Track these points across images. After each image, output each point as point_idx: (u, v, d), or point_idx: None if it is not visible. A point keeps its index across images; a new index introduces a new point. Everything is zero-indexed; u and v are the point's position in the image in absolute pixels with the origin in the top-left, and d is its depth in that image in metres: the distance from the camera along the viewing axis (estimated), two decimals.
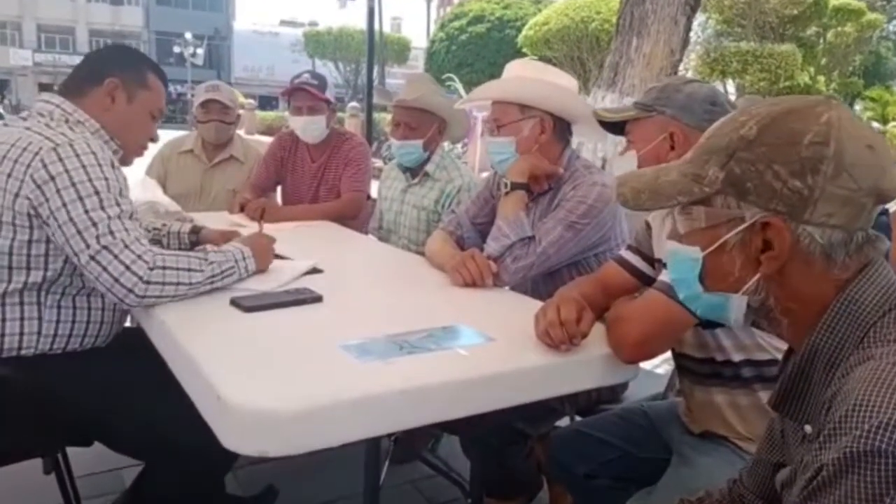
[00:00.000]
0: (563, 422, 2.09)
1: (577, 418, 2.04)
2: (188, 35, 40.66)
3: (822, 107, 0.85)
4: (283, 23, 53.58)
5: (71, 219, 1.58)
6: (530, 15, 20.32)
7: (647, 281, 1.68)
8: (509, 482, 2.10)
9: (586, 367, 1.50)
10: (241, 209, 3.04)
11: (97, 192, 1.61)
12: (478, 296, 1.93)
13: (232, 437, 1.16)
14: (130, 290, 1.58)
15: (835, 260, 0.84)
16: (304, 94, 3.14)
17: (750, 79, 17.39)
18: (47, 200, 1.59)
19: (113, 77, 1.81)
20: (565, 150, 2.16)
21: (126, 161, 1.88)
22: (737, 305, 0.92)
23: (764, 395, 1.50)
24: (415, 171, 2.84)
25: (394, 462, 2.60)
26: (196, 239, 2.26)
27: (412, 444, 2.66)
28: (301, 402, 1.16)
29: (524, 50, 16.96)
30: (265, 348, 1.44)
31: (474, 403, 1.34)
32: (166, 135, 2.17)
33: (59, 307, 1.72)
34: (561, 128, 2.14)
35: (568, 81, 2.19)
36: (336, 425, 1.18)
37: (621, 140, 1.86)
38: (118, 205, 1.64)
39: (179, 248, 2.20)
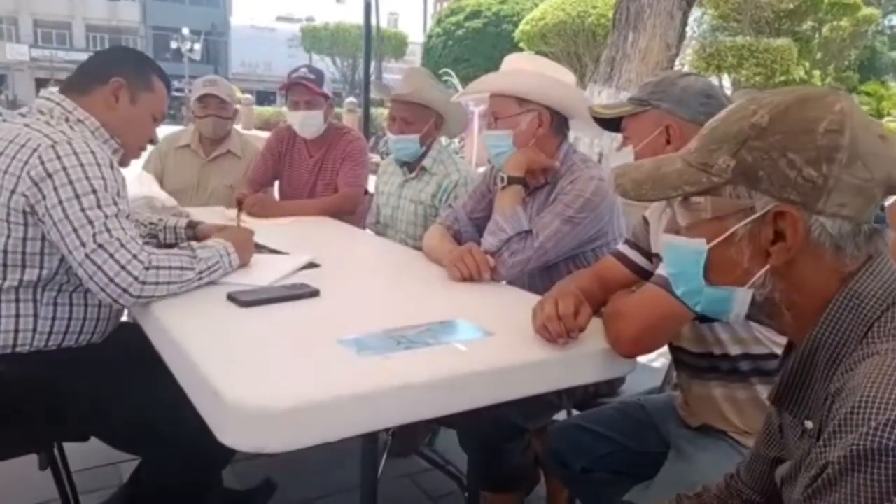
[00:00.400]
0: (561, 415, 2.09)
1: (575, 412, 2.04)
2: (185, 30, 40.58)
3: (832, 96, 0.84)
4: (279, 18, 53.48)
5: (67, 216, 1.58)
6: (527, 10, 20.30)
7: (645, 275, 1.67)
8: (506, 476, 2.10)
9: (584, 361, 1.50)
10: (239, 204, 3.03)
11: (94, 191, 1.60)
12: (475, 290, 1.92)
13: (228, 434, 1.15)
14: (125, 291, 1.58)
15: (844, 252, 0.83)
16: (302, 89, 3.13)
17: (745, 73, 17.39)
18: (44, 198, 1.58)
19: (118, 77, 1.81)
20: (562, 144, 2.15)
21: (124, 162, 1.88)
22: (741, 299, 0.89)
23: (761, 389, 1.50)
24: (412, 166, 2.84)
25: (391, 455, 2.60)
26: (193, 234, 2.25)
27: (410, 438, 2.66)
28: (298, 397, 1.15)
29: (521, 45, 16.94)
30: (262, 343, 1.44)
31: (472, 398, 1.34)
32: (162, 130, 2.16)
33: (55, 304, 1.72)
34: (559, 122, 2.14)
35: (567, 76, 2.19)
36: (333, 421, 1.18)
37: (618, 136, 1.86)
38: (115, 204, 1.64)
39: (176, 243, 2.19)
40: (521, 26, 17.93)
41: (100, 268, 1.57)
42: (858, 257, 0.83)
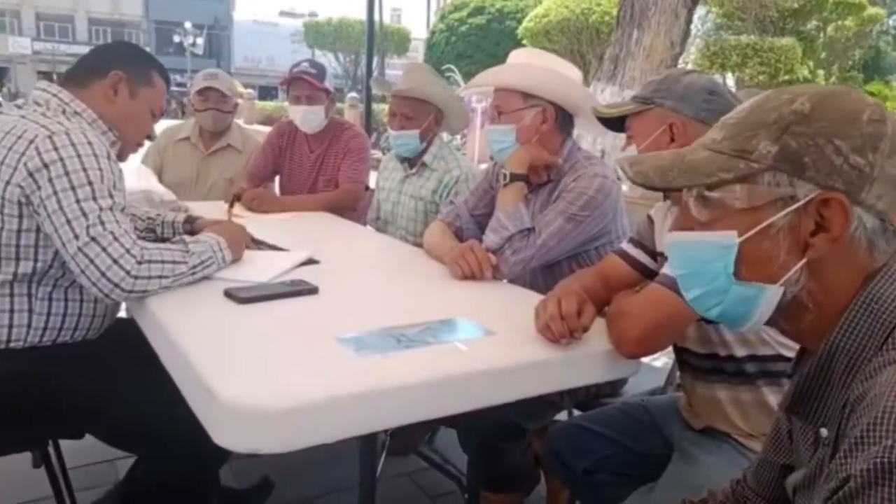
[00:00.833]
0: (562, 416, 2.08)
1: (576, 412, 2.02)
2: (188, 24, 40.60)
3: (856, 91, 0.83)
4: (282, 13, 53.57)
5: (61, 208, 1.55)
6: (530, 6, 20.30)
7: (649, 274, 1.65)
8: (506, 476, 2.08)
9: (587, 361, 1.47)
10: (238, 199, 3.01)
11: (90, 183, 1.58)
12: (476, 288, 1.90)
13: (223, 434, 1.12)
14: (117, 285, 1.55)
15: (876, 248, 0.80)
16: (303, 84, 3.11)
17: (749, 72, 17.34)
18: (39, 188, 1.56)
19: (118, 70, 1.81)
20: (566, 141, 2.13)
21: (121, 157, 1.87)
22: (770, 298, 0.83)
23: (767, 392, 1.48)
24: (412, 162, 2.81)
25: (390, 454, 2.58)
26: (191, 228, 2.23)
27: (408, 437, 2.64)
28: (295, 397, 1.12)
29: (524, 42, 16.90)
30: (259, 341, 1.41)
31: (473, 398, 1.31)
32: (160, 125, 2.14)
33: (50, 299, 1.70)
34: (563, 119, 2.11)
35: (574, 73, 2.16)
36: (331, 422, 1.15)
37: (621, 135, 1.83)
38: (111, 197, 1.61)
39: (174, 237, 2.17)
40: (524, 23, 17.90)
41: (92, 261, 1.54)
42: (883, 257, 0.80)
